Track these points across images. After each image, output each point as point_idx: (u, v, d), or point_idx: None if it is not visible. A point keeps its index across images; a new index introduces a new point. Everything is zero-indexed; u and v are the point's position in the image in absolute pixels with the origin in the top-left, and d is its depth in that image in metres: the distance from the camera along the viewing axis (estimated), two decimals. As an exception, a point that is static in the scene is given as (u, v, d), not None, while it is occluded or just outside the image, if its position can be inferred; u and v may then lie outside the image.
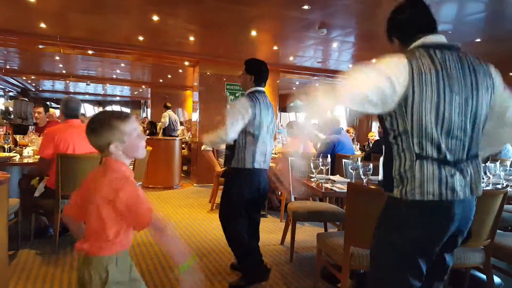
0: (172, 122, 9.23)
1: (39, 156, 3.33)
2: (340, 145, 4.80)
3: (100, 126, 1.40)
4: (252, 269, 2.86)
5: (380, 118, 1.47)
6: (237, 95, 7.39)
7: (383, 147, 1.53)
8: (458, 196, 1.35)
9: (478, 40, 5.25)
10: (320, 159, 3.15)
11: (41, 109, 4.82)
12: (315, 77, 9.09)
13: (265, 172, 2.91)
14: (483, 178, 3.16)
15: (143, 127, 9.74)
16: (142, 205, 1.38)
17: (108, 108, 20.14)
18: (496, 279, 2.87)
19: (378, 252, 1.50)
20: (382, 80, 1.33)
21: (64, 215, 1.56)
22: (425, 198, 1.34)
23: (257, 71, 2.87)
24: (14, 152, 3.97)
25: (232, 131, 2.67)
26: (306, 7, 4.29)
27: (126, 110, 21.24)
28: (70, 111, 3.36)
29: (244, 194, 2.82)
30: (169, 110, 9.41)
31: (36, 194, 3.32)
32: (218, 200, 5.18)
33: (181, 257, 1.40)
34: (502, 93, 1.50)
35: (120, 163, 1.43)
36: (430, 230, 1.38)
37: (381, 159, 1.55)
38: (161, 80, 12.56)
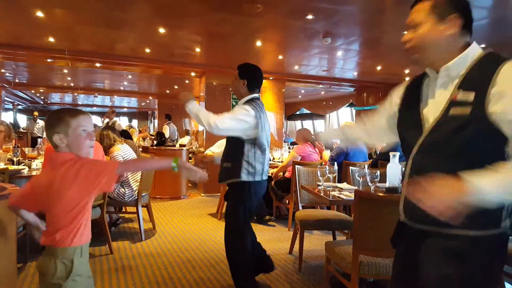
0: (171, 134, 9.39)
1: None
2: (353, 152, 4.78)
3: (51, 118, 1.50)
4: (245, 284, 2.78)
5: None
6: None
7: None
8: None
9: (483, 45, 5.21)
10: (327, 167, 3.15)
11: None
12: (321, 85, 9.11)
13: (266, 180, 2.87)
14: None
15: (150, 137, 9.81)
16: (104, 166, 1.48)
17: (116, 119, 20.37)
18: (508, 286, 2.82)
19: None
20: None
21: (12, 204, 1.58)
22: None
23: (250, 76, 2.74)
24: (23, 165, 4.02)
25: (227, 124, 2.49)
26: (310, 16, 4.33)
27: (134, 121, 21.45)
28: None
29: (254, 205, 2.79)
30: (170, 121, 9.59)
31: None
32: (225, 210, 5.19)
33: (166, 162, 1.53)
34: None
35: (63, 153, 1.48)
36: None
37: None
38: (168, 91, 12.68)
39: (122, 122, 14.55)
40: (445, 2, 1.25)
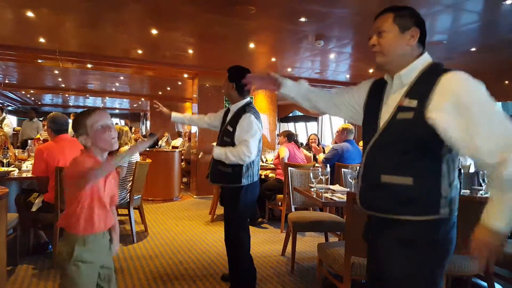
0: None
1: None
2: (348, 154, 4.80)
3: (73, 123, 1.67)
4: (249, 279, 2.85)
5: (428, 133, 1.31)
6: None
7: (404, 165, 1.37)
8: None
9: (473, 49, 5.30)
10: (320, 169, 3.16)
11: None
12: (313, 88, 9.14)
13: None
14: (481, 186, 3.17)
15: (142, 139, 9.73)
16: (80, 167, 1.55)
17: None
18: (498, 287, 2.86)
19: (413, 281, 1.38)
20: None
21: None
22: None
23: (238, 78, 2.68)
24: (13, 167, 3.97)
25: (253, 148, 2.58)
26: (303, 19, 4.34)
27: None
28: (59, 127, 3.38)
29: (252, 204, 2.84)
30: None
31: (33, 209, 3.31)
32: (218, 212, 5.18)
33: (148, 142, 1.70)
34: None
35: (85, 155, 1.64)
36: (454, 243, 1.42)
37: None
38: (160, 93, 12.62)
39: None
40: (407, 15, 1.41)
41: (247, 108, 2.73)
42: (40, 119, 9.56)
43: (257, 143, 2.64)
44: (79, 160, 1.61)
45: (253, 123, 2.63)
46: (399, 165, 1.36)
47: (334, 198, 2.83)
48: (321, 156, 5.32)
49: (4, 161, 3.95)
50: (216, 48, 5.91)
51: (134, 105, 17.65)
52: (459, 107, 1.24)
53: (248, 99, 2.83)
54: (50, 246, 3.61)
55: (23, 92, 13.15)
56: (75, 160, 1.62)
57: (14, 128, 8.91)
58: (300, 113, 14.21)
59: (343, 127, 5.00)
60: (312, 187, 3.20)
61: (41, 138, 5.95)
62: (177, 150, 7.61)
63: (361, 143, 7.64)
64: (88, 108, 1.83)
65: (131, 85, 11.54)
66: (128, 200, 4.02)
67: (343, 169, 3.89)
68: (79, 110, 20.51)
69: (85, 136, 1.62)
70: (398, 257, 1.38)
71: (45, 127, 4.87)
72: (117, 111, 20.41)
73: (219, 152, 2.60)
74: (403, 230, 1.37)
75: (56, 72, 8.89)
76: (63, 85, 11.26)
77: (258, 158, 2.81)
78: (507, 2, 3.60)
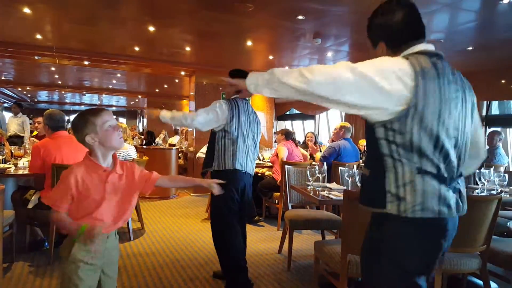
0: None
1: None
2: (345, 152, 4.81)
3: (78, 122, 1.65)
4: (236, 280, 2.82)
5: (368, 127, 1.34)
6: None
7: (367, 158, 1.46)
8: (451, 213, 1.28)
9: (470, 48, 5.32)
10: (317, 167, 3.17)
11: (41, 119, 4.84)
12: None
13: (250, 177, 2.94)
14: (477, 185, 3.19)
15: (139, 136, 9.72)
16: (55, 191, 1.62)
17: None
18: (493, 285, 2.88)
19: (374, 278, 1.39)
20: (377, 73, 1.22)
21: None
22: (425, 216, 1.25)
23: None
24: (9, 163, 3.95)
25: (202, 117, 2.73)
26: (300, 17, 4.34)
27: (122, 120, 21.27)
28: (56, 123, 3.37)
29: (231, 196, 2.80)
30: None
31: (30, 206, 3.29)
32: (215, 209, 5.19)
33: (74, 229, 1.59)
34: (476, 116, 1.45)
35: (83, 163, 1.65)
36: (427, 249, 1.31)
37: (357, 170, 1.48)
38: (157, 90, 12.59)
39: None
40: (372, 31, 1.52)
41: (231, 98, 2.90)
42: (31, 115, 9.46)
43: (208, 113, 2.76)
44: (66, 173, 1.61)
45: (216, 103, 2.83)
46: (367, 157, 1.47)
47: (331, 196, 2.84)
48: (318, 155, 5.33)
49: (0, 157, 3.93)
50: (214, 45, 5.89)
51: (131, 103, 17.60)
52: None
53: (236, 95, 2.91)
54: (46, 243, 3.60)
55: (20, 89, 13.07)
56: (71, 168, 1.63)
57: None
58: (297, 111, 14.21)
59: (341, 125, 5.01)
60: (309, 185, 3.20)
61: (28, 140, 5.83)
62: (174, 147, 7.60)
63: (360, 141, 7.69)
64: (91, 108, 1.81)
65: (128, 82, 11.50)
66: (125, 197, 4.02)
67: (340, 167, 3.90)
68: (75, 107, 20.50)
69: (93, 134, 1.61)
70: (361, 256, 1.49)
71: (36, 124, 4.86)
72: (114, 108, 20.33)
73: (164, 113, 2.74)
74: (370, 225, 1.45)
75: (53, 68, 8.85)
76: (60, 82, 11.22)
77: (237, 148, 2.79)
78: (504, 2, 3.61)
